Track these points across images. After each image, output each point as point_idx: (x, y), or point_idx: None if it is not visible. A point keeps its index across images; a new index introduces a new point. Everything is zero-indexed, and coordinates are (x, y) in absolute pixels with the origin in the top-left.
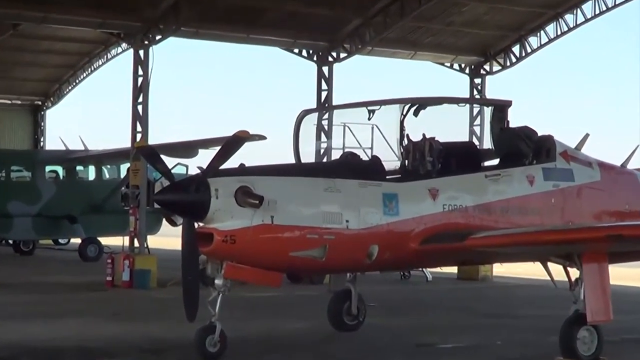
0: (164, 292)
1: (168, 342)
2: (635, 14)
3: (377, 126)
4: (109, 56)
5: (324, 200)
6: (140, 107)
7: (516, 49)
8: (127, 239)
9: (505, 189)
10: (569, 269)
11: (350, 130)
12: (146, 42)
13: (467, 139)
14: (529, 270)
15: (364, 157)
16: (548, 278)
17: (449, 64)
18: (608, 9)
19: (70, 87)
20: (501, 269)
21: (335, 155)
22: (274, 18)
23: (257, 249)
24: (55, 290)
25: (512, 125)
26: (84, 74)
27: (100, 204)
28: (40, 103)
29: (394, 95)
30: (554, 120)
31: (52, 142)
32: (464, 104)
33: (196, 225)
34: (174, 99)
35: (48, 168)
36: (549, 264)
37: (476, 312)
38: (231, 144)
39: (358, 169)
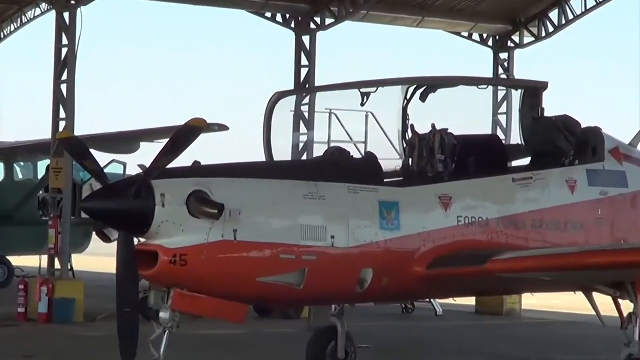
0: (93, 329)
1: None
2: None
3: (372, 114)
4: (25, 20)
5: (303, 209)
6: (64, 87)
7: (554, 14)
8: (45, 258)
9: (539, 197)
10: (620, 301)
11: (338, 119)
12: (72, 2)
13: (489, 132)
14: (569, 303)
15: (356, 154)
16: (593, 313)
17: (466, 34)
18: None
19: None
20: (532, 301)
21: (319, 151)
22: None
23: (215, 272)
24: None
25: (547, 114)
26: None
27: (10, 212)
28: None
29: (394, 73)
30: (603, 108)
31: None
32: (485, 86)
33: (136, 241)
34: (108, 78)
35: None
36: (595, 295)
37: (500, 357)
38: (182, 136)
39: (348, 169)
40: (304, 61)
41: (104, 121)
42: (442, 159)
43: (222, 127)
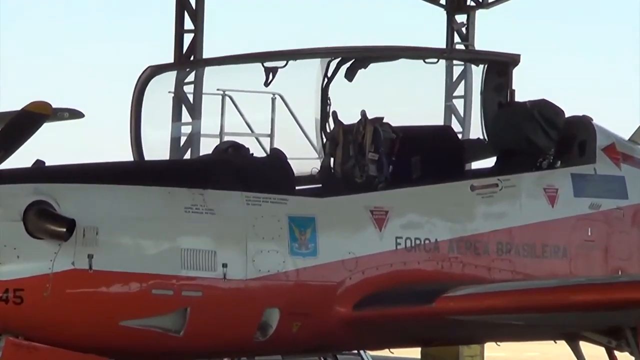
0: None
1: None
2: None
3: (281, 96)
4: None
5: (185, 227)
6: None
7: None
8: None
9: (507, 211)
10: (616, 353)
11: (234, 103)
12: None
13: (440, 122)
14: (549, 356)
15: (258, 152)
16: None
17: None
18: None
19: None
20: (499, 352)
21: (207, 147)
22: None
23: (61, 314)
24: None
25: (519, 98)
26: None
27: None
28: None
29: (312, 42)
30: (593, 91)
31: None
32: (435, 60)
33: None
34: None
35: None
36: (583, 345)
37: None
38: (17, 126)
39: (246, 172)
40: (188, 24)
41: None
42: (375, 158)
43: (75, 114)
